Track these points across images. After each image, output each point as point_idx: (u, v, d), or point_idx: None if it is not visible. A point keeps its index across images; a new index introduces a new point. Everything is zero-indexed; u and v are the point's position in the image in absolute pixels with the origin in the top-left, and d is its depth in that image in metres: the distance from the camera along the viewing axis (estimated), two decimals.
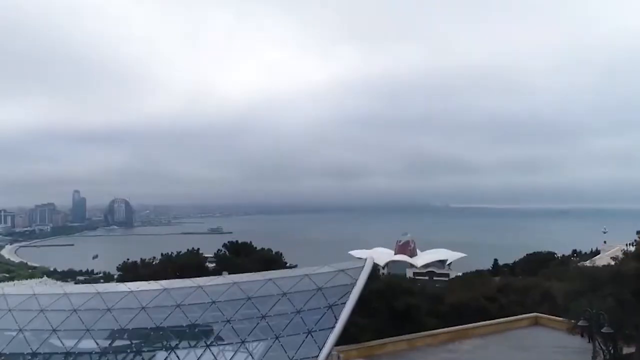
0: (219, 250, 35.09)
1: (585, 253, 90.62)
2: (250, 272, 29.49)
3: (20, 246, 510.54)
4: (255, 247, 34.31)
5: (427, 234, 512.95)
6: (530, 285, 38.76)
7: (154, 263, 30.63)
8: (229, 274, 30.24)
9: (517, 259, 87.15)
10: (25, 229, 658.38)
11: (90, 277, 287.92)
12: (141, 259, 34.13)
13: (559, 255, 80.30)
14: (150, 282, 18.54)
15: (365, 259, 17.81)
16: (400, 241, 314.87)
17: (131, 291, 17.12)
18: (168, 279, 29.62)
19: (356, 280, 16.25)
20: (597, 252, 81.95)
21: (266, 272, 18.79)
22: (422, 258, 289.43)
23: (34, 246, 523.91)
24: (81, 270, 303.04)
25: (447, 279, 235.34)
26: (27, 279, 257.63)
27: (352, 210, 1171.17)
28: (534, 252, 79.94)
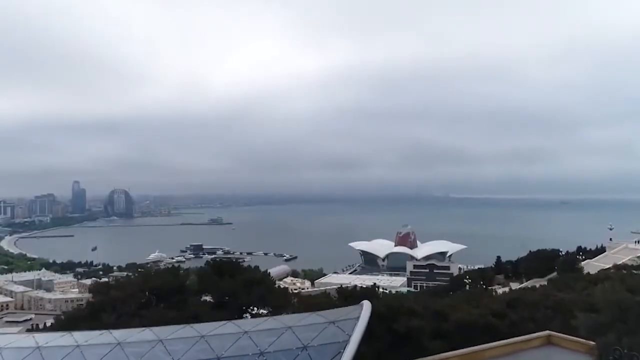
0: (201, 268, 32.25)
1: (590, 250, 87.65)
2: (234, 295, 26.59)
3: (20, 237, 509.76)
4: (242, 265, 31.50)
5: (428, 225, 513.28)
6: (540, 297, 35.78)
7: (129, 282, 27.78)
8: (212, 296, 27.33)
9: (520, 256, 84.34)
10: (25, 219, 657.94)
11: (89, 269, 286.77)
12: (115, 277, 31.26)
13: (563, 253, 77.26)
14: (103, 332, 15.44)
15: (363, 306, 14.61)
16: (400, 233, 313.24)
17: (78, 345, 14.13)
18: (143, 302, 26.74)
19: (350, 336, 13.18)
20: (603, 250, 79.02)
21: (242, 320, 15.82)
22: (423, 250, 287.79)
23: (34, 237, 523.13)
24: (80, 262, 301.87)
25: (448, 271, 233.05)
26: (25, 271, 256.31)
27: (352, 200, 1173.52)
28: (538, 250, 77.10)
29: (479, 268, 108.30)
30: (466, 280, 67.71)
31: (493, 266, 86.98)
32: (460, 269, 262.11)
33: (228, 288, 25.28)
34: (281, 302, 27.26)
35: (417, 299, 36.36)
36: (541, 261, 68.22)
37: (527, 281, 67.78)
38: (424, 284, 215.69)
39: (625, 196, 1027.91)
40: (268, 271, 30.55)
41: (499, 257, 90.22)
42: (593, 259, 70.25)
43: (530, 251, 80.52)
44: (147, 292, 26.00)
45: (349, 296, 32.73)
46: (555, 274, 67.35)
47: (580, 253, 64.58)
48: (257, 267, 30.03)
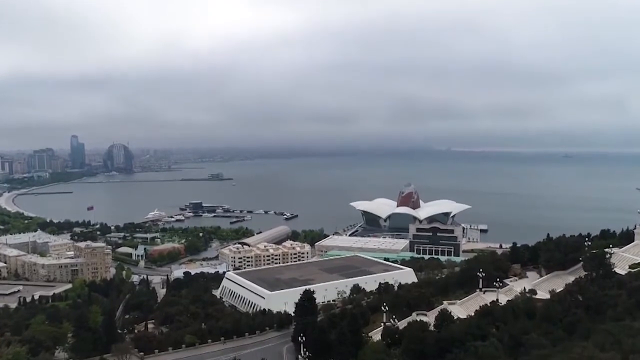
0: None
1: (614, 232, 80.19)
2: None
3: (18, 194, 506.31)
4: None
5: (431, 180, 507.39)
6: None
7: None
8: None
9: (537, 241, 76.87)
10: (24, 175, 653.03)
11: (86, 228, 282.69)
12: None
13: (588, 241, 69.43)
14: None
15: None
16: (402, 192, 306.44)
17: None
18: None
19: None
20: (629, 234, 71.16)
21: None
22: (426, 210, 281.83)
23: (32, 194, 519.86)
24: (77, 222, 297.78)
25: (452, 234, 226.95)
26: (21, 233, 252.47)
27: (352, 154, 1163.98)
28: (560, 237, 69.33)
29: (490, 253, 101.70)
30: (479, 274, 60.57)
31: (508, 253, 79.64)
32: (464, 229, 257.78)
33: None
34: None
35: None
36: (563, 251, 60.59)
37: (547, 274, 60.72)
38: (427, 248, 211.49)
39: (625, 149, 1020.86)
40: None
41: (514, 243, 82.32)
42: (622, 249, 62.72)
43: (548, 235, 73.21)
44: None
45: None
46: (579, 266, 60.11)
47: (610, 246, 56.83)
48: None
